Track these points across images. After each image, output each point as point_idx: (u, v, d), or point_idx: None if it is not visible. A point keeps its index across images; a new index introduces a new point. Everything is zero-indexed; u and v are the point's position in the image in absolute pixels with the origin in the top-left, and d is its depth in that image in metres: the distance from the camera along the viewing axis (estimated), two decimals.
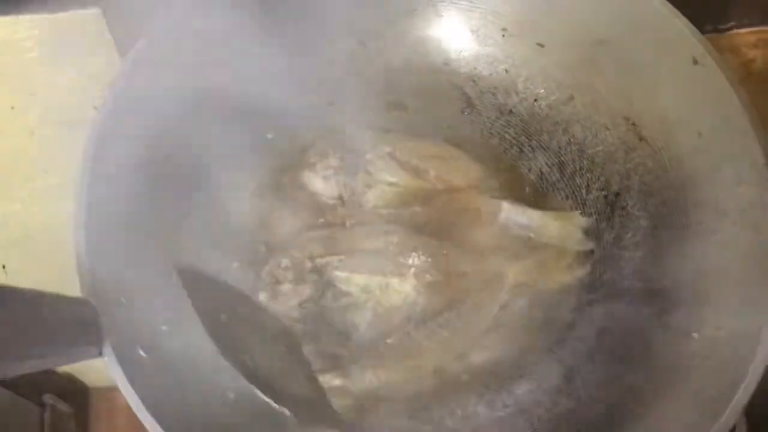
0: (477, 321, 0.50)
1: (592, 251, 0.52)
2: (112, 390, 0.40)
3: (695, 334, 0.46)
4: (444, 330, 0.49)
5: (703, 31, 0.69)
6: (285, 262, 0.51)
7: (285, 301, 0.50)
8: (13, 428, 0.82)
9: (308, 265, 0.51)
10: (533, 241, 0.52)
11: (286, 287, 0.50)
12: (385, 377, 0.48)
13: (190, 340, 0.46)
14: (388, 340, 0.49)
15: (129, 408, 0.40)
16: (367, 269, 0.51)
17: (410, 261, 0.51)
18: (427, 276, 0.51)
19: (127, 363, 0.40)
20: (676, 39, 0.49)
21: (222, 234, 0.52)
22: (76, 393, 1.17)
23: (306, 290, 0.50)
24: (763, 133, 0.46)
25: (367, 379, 0.48)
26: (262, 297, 0.51)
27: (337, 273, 0.51)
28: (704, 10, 0.68)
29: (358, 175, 0.55)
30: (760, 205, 0.45)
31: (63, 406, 1.13)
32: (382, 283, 0.51)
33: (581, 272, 0.51)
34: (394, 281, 0.51)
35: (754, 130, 0.45)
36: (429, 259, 0.51)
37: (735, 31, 0.71)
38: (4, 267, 0.88)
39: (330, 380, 0.48)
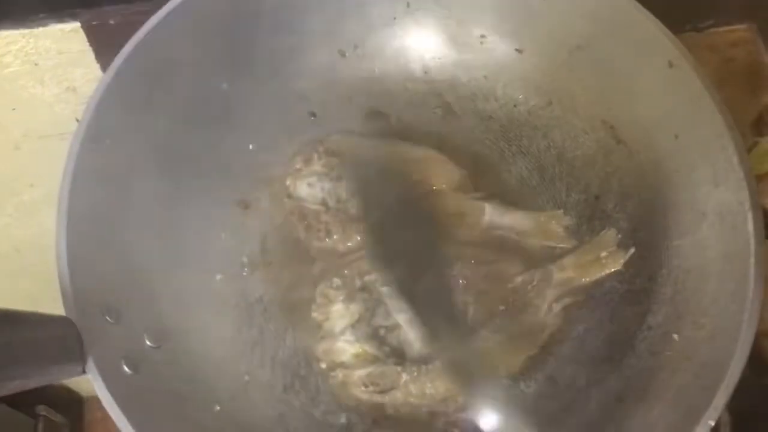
0: (526, 321, 0.50)
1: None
2: None
3: (676, 336, 0.47)
4: (497, 335, 0.50)
5: (682, 31, 0.70)
6: (336, 281, 0.51)
7: (338, 323, 0.50)
8: None
9: (358, 283, 0.51)
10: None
11: (338, 307, 0.50)
12: (443, 389, 0.49)
13: (174, 355, 0.47)
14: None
15: None
16: None
17: (456, 271, 0.51)
18: (476, 285, 0.51)
19: (111, 379, 0.41)
20: (652, 43, 0.49)
21: (204, 247, 0.53)
22: (71, 403, 1.18)
23: (357, 310, 0.50)
24: (738, 133, 0.46)
25: (428, 394, 0.49)
26: (315, 315, 0.51)
27: (386, 289, 0.51)
28: (683, 10, 0.69)
29: (343, 181, 0.55)
30: (736, 205, 0.45)
31: (57, 417, 1.13)
32: None
33: (617, 264, 0.51)
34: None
35: (729, 131, 0.46)
36: (477, 269, 0.51)
37: (714, 29, 0.71)
38: None
39: (393, 398, 0.49)
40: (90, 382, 0.40)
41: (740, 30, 0.72)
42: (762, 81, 0.70)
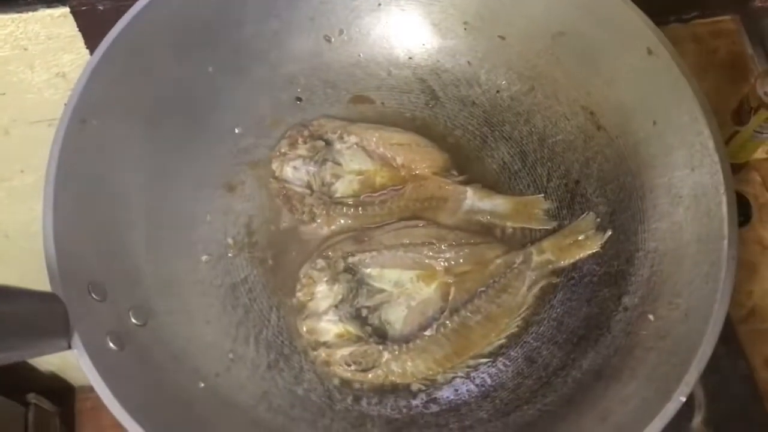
0: (506, 302, 0.51)
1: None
2: None
3: (651, 316, 0.48)
4: (477, 315, 0.51)
5: (666, 22, 0.71)
6: (320, 263, 0.52)
7: (321, 303, 0.51)
8: None
9: (341, 264, 0.52)
10: None
11: (321, 288, 0.51)
12: (423, 367, 0.50)
13: (160, 334, 0.48)
14: (426, 333, 0.50)
15: None
16: (398, 264, 0.52)
17: (439, 253, 0.52)
18: (457, 266, 0.52)
19: (97, 356, 0.41)
20: (632, 30, 0.50)
21: (190, 228, 0.54)
22: (61, 391, 1.18)
23: (340, 290, 0.51)
24: (714, 119, 0.47)
25: (409, 372, 0.49)
26: (299, 296, 0.52)
27: (369, 270, 0.52)
28: (667, 1, 0.70)
29: (327, 165, 0.56)
30: (711, 189, 0.46)
31: (47, 405, 1.13)
32: (413, 277, 0.52)
33: (594, 247, 0.52)
34: (425, 274, 0.52)
35: (706, 117, 0.47)
36: (459, 251, 0.52)
37: (698, 21, 0.72)
38: None
39: (375, 377, 0.49)
40: (80, 371, 0.40)
41: (724, 21, 0.73)
42: (743, 71, 0.71)
